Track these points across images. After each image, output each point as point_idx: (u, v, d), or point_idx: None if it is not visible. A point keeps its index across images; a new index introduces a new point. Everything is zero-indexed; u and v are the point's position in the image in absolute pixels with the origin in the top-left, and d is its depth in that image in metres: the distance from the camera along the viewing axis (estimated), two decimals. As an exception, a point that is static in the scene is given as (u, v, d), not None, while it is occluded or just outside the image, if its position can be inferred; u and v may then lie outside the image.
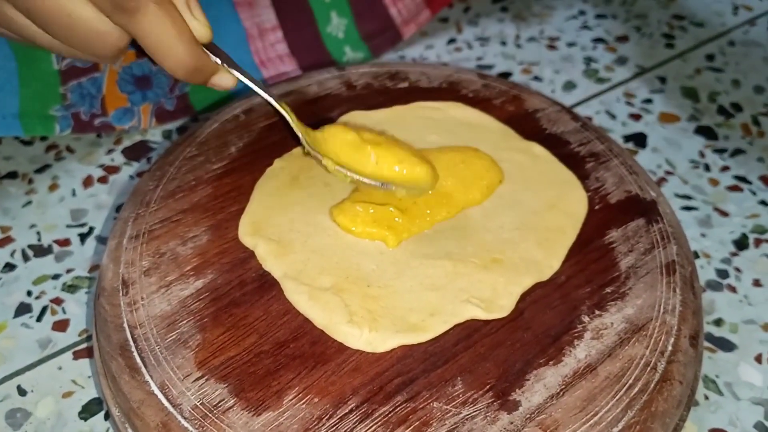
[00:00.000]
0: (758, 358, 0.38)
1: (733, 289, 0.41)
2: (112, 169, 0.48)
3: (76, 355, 0.38)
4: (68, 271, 0.42)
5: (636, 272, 0.35)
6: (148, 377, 0.30)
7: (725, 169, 0.49)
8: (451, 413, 0.29)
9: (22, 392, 0.36)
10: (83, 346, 0.38)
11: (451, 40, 0.59)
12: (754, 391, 0.37)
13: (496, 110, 0.44)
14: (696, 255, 0.43)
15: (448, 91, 0.45)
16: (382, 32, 0.55)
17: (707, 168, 0.49)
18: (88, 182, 0.47)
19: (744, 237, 0.44)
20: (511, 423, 0.29)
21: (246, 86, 0.53)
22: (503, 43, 0.59)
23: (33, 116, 0.46)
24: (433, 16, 0.57)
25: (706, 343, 0.39)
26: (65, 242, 0.43)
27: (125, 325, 0.32)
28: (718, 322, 0.40)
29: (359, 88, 0.45)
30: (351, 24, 0.54)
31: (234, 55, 0.53)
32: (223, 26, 0.51)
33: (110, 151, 0.49)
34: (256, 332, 0.32)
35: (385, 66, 0.47)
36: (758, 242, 0.44)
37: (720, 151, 0.50)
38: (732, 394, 0.37)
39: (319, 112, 0.43)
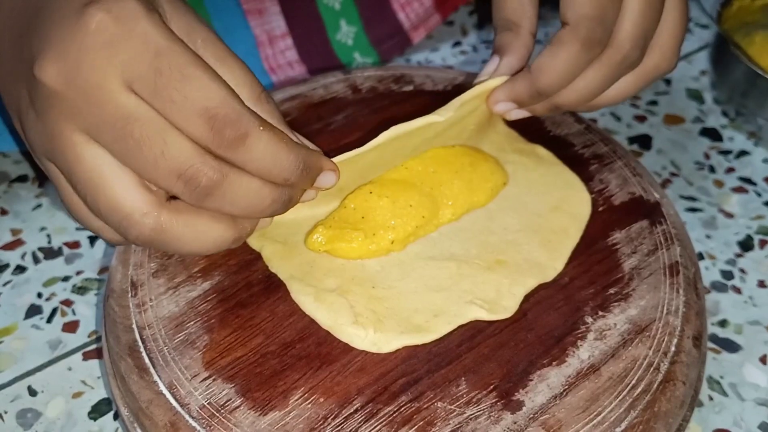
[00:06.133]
0: (763, 359, 0.38)
1: (738, 290, 0.41)
2: (120, 173, 0.48)
3: (86, 356, 0.38)
4: (78, 273, 0.42)
5: (639, 273, 0.35)
6: (156, 377, 0.31)
7: (730, 170, 0.49)
8: (455, 413, 0.29)
9: (32, 392, 0.37)
10: (93, 347, 0.39)
11: (457, 43, 0.60)
12: (758, 392, 0.37)
13: (501, 113, 0.44)
14: (701, 256, 0.43)
15: (453, 94, 0.45)
16: (391, 37, 0.55)
17: (712, 170, 0.49)
18: (97, 185, 0.47)
19: (749, 238, 0.44)
20: (515, 423, 0.29)
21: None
22: (508, 46, 0.59)
23: None
24: (443, 20, 0.57)
25: (711, 344, 0.39)
26: (75, 244, 0.44)
27: (134, 326, 0.32)
28: (723, 323, 0.40)
29: (364, 92, 0.45)
30: (360, 31, 0.54)
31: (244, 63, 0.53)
32: (234, 34, 0.52)
33: (119, 155, 0.49)
34: (262, 333, 0.32)
35: (390, 69, 0.47)
36: (763, 243, 0.44)
37: (725, 153, 0.50)
38: (737, 395, 0.37)
39: (324, 116, 0.43)
